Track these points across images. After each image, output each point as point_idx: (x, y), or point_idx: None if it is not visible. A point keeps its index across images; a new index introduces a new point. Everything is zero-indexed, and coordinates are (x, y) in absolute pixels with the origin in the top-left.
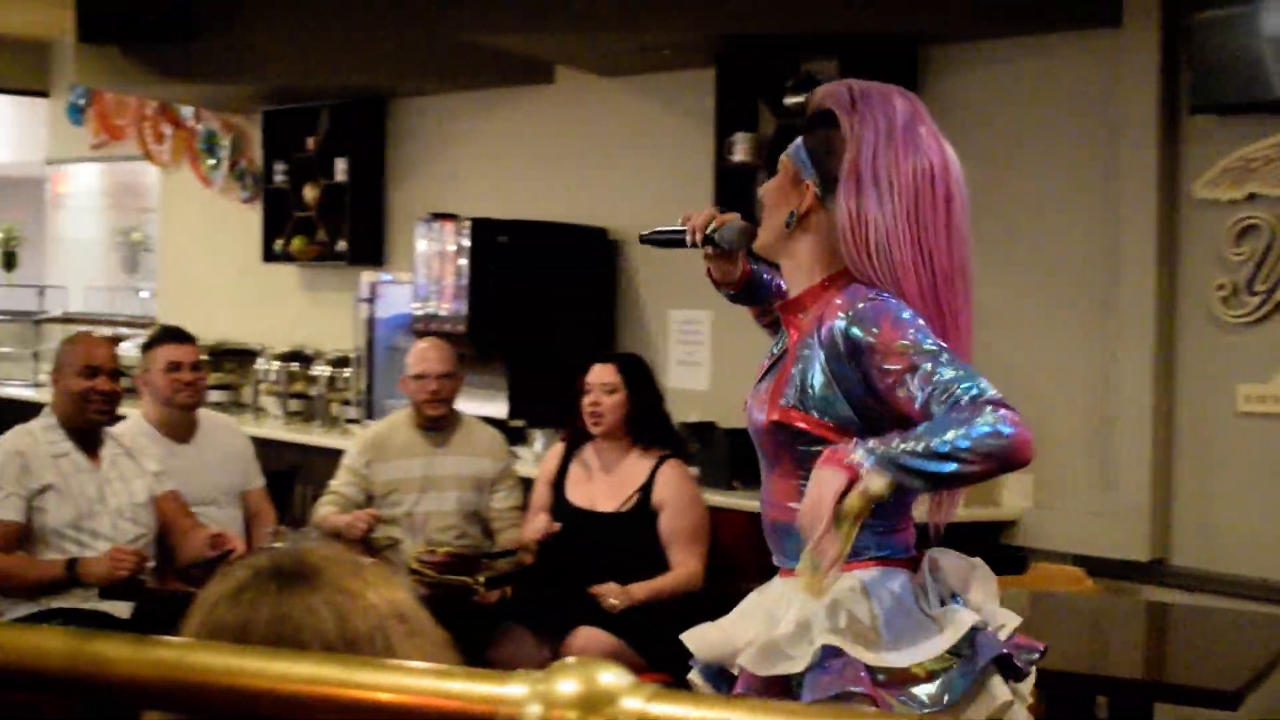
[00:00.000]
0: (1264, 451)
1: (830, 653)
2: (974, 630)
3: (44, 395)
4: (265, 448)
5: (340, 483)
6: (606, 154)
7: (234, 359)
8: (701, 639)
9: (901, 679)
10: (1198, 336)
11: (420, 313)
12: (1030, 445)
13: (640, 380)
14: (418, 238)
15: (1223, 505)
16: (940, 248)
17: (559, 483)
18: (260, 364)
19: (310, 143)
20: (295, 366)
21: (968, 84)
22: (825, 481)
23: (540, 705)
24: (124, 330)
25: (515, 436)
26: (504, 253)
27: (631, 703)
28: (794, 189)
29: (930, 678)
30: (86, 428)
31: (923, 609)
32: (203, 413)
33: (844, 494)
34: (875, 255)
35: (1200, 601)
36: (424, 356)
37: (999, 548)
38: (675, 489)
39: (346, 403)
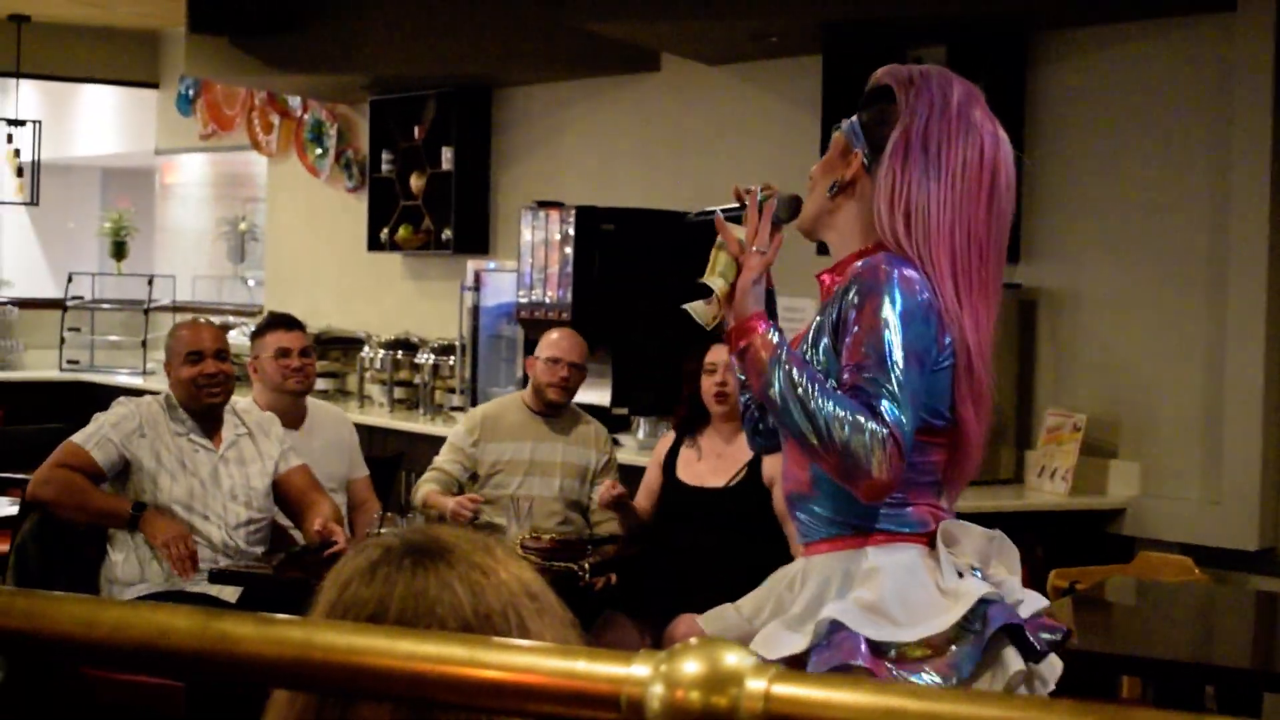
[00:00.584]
0: None
1: (834, 628)
2: (985, 602)
3: (152, 383)
4: (370, 435)
5: (445, 459)
6: (712, 142)
7: (340, 347)
8: (721, 621)
9: (912, 655)
10: None
11: (525, 301)
12: (878, 493)
13: None
14: (523, 226)
15: None
16: (980, 222)
17: (669, 465)
18: (366, 352)
19: (416, 132)
20: (400, 354)
21: (1078, 70)
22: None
23: (664, 685)
24: (231, 319)
25: (618, 424)
26: (609, 241)
27: (756, 684)
28: (841, 161)
29: (939, 653)
30: (203, 411)
31: (936, 584)
32: (311, 401)
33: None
34: (911, 219)
35: None
36: (560, 344)
37: (1106, 536)
38: None
39: (451, 390)
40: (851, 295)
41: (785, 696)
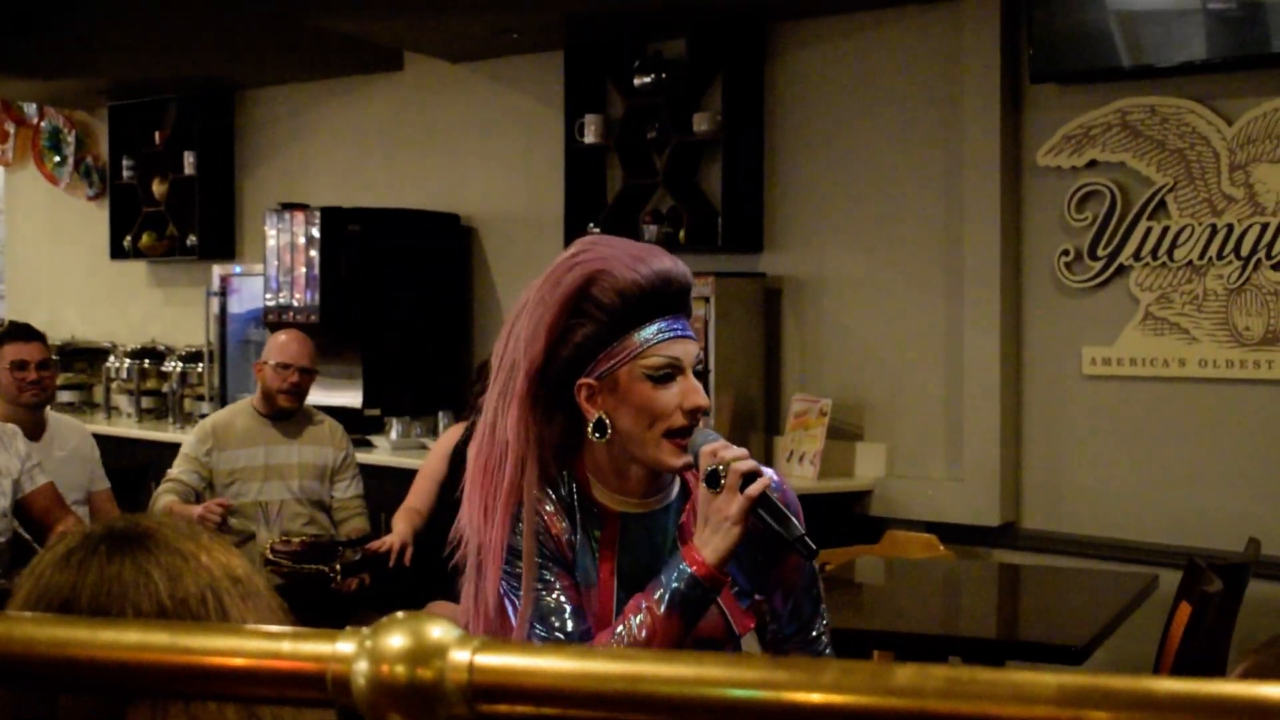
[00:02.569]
0: (1110, 413)
1: None
2: None
3: None
4: (118, 446)
5: (180, 470)
6: (458, 139)
7: (84, 358)
8: None
9: None
10: (1043, 301)
11: (272, 304)
12: None
13: None
14: (267, 229)
15: (1071, 468)
16: None
17: (458, 459)
18: (111, 362)
19: (158, 137)
20: (147, 363)
21: (815, 58)
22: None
23: (368, 661)
24: None
25: (371, 425)
26: (356, 241)
27: (460, 654)
28: None
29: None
30: None
31: None
32: (50, 413)
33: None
34: None
35: (1050, 562)
36: (288, 348)
37: (854, 517)
38: None
39: (200, 398)
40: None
41: (489, 666)
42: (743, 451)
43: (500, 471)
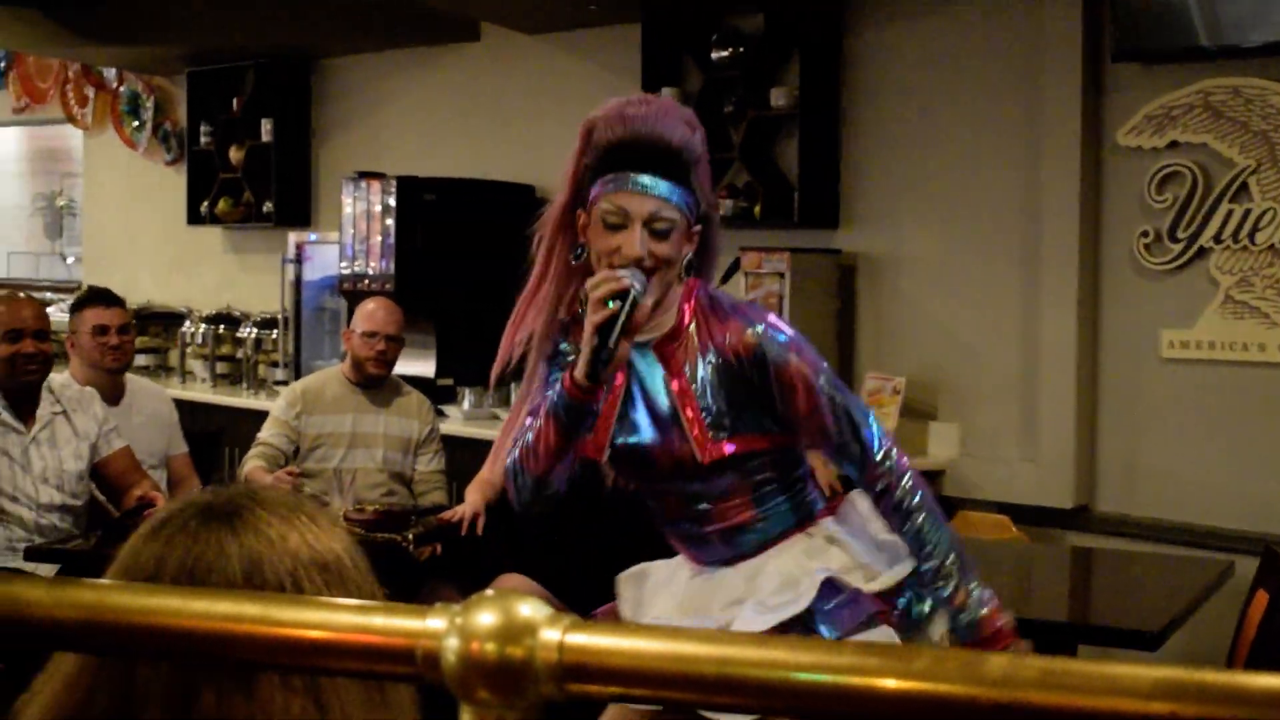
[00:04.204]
0: (1187, 397)
1: (831, 589)
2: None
3: None
4: (192, 411)
5: (268, 434)
6: (533, 111)
7: (160, 322)
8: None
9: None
10: (1121, 283)
11: (347, 272)
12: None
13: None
14: (344, 197)
15: (1147, 451)
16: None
17: None
18: (187, 327)
19: (235, 104)
20: (222, 329)
21: (893, 35)
22: None
23: (458, 638)
24: (50, 295)
25: (444, 395)
26: (431, 211)
27: (550, 634)
28: (685, 237)
29: (895, 597)
30: (18, 390)
31: (873, 535)
32: (130, 377)
33: None
34: (716, 269)
35: (1123, 546)
36: (374, 315)
37: None
38: None
39: (274, 364)
40: (762, 351)
41: (579, 645)
42: (608, 275)
43: (533, 289)
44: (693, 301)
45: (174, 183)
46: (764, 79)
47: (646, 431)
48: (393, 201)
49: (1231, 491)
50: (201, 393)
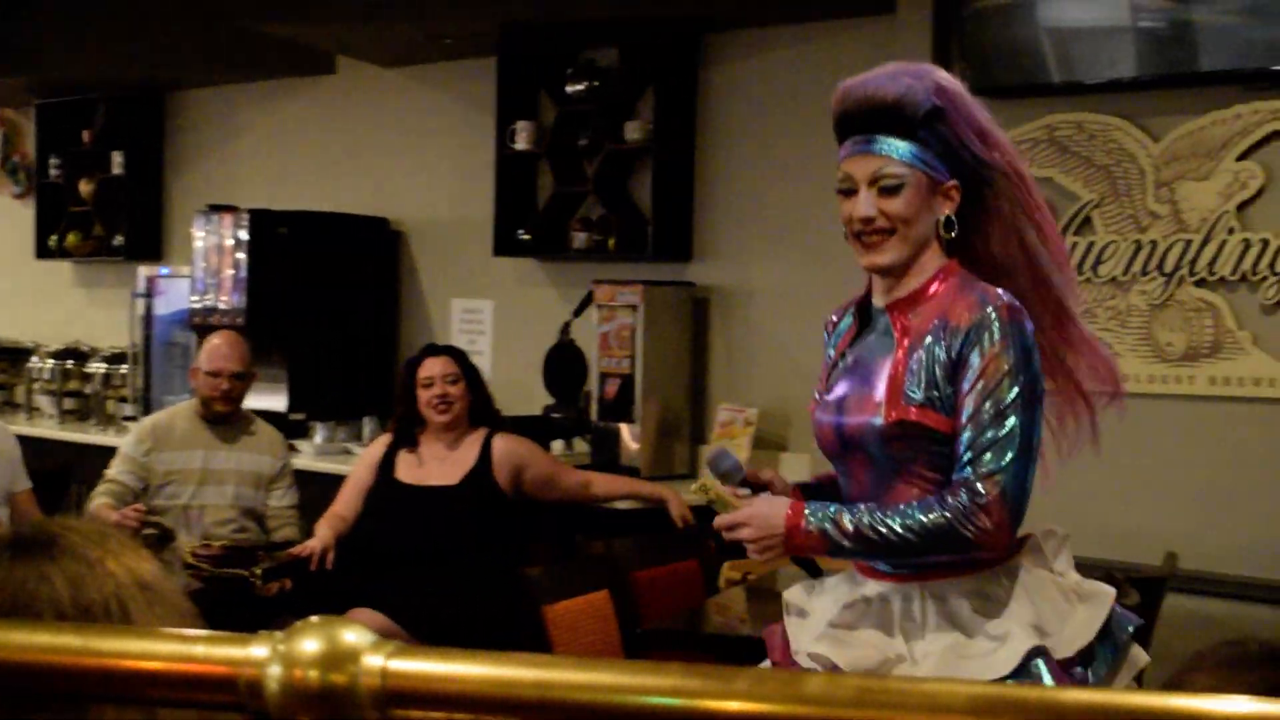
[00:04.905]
0: None
1: (1035, 654)
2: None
3: None
4: (39, 447)
5: (116, 471)
6: (388, 144)
7: (6, 358)
8: (845, 650)
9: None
10: None
11: (199, 306)
12: (996, 549)
13: (471, 367)
14: (196, 231)
15: None
16: (1048, 223)
17: (386, 468)
18: (34, 362)
19: (86, 136)
20: (70, 364)
21: (747, 70)
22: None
23: (281, 665)
24: None
25: (296, 430)
26: (284, 244)
27: (373, 659)
28: (931, 196)
29: (1084, 657)
30: None
31: (1060, 590)
32: None
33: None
34: (1031, 244)
35: None
36: (218, 352)
37: None
38: (519, 447)
39: (124, 400)
40: (980, 330)
41: (402, 671)
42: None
43: None
44: (947, 280)
45: (22, 216)
46: (619, 113)
47: (844, 387)
48: (245, 235)
49: (1075, 519)
50: (48, 429)
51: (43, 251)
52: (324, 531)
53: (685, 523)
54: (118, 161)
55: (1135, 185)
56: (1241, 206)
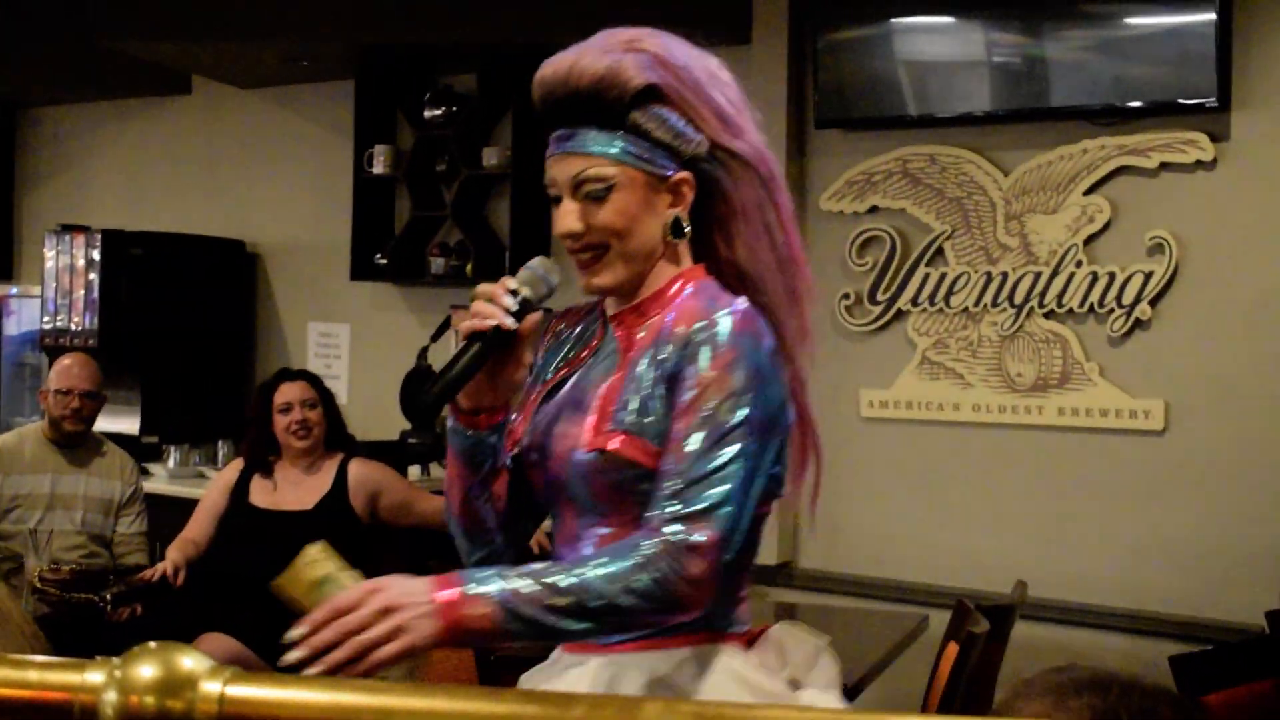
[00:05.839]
0: (886, 455)
1: None
2: None
3: None
4: None
5: None
6: (245, 166)
7: None
8: None
9: None
10: (823, 344)
11: (50, 327)
12: (693, 600)
13: (326, 392)
14: (47, 250)
15: (848, 508)
16: (797, 236)
17: (240, 492)
18: None
19: None
20: None
21: None
22: (416, 625)
23: (117, 691)
24: None
25: (149, 453)
26: (138, 265)
27: (211, 685)
28: (653, 195)
29: None
30: None
31: (766, 695)
32: None
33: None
34: (755, 239)
35: (826, 602)
36: (68, 371)
37: None
38: (375, 472)
39: None
40: (699, 342)
41: (239, 698)
42: (486, 294)
43: None
44: (684, 287)
45: None
46: (477, 138)
47: (555, 410)
48: (97, 255)
49: (929, 547)
50: None
51: None
52: (174, 554)
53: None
54: None
55: (986, 217)
56: (1089, 240)
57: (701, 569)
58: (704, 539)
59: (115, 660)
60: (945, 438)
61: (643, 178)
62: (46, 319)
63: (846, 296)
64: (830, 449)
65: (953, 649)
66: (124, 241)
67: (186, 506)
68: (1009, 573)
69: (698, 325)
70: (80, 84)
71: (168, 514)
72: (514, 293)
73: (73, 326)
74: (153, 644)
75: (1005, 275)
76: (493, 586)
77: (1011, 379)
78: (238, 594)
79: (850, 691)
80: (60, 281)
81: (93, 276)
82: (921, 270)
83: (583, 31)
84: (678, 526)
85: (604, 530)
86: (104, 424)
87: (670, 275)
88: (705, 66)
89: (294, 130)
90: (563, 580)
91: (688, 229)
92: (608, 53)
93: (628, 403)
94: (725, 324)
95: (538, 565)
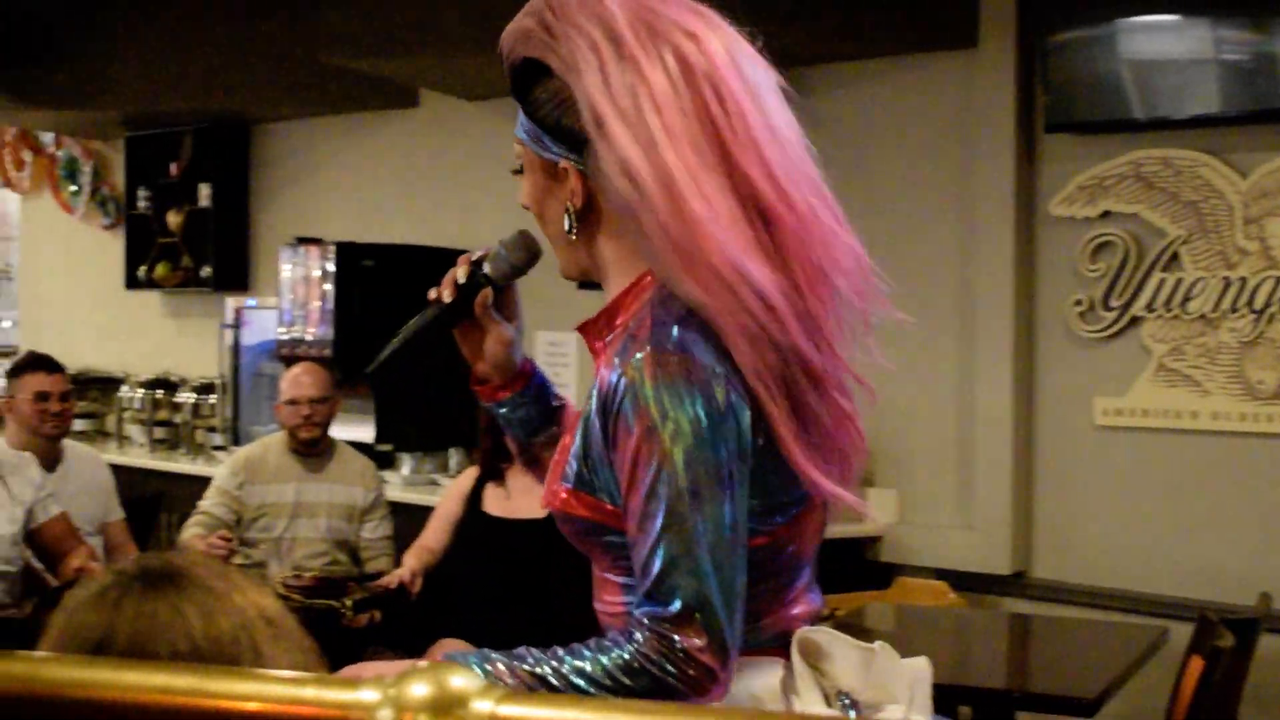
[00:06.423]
0: (1121, 464)
1: None
2: None
3: None
4: (129, 476)
5: (210, 503)
6: (470, 177)
7: (97, 387)
8: None
9: None
10: (1056, 351)
11: (286, 337)
12: (703, 689)
13: None
14: (283, 263)
15: (1082, 517)
16: (756, 176)
17: (474, 500)
18: (124, 392)
19: (173, 168)
20: (160, 394)
21: (833, 103)
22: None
23: (392, 710)
24: None
25: (383, 461)
26: (369, 276)
27: (482, 705)
28: (553, 179)
29: None
30: None
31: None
32: (67, 443)
33: None
34: (670, 223)
35: (1059, 613)
36: (297, 381)
37: (865, 563)
38: None
39: (212, 430)
40: (620, 397)
41: (511, 717)
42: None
43: None
44: (639, 298)
45: (112, 247)
46: None
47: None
48: (331, 267)
49: (1165, 558)
50: (139, 458)
51: (132, 282)
52: (410, 561)
53: None
54: (205, 193)
55: (1224, 221)
56: None
57: (699, 670)
58: (696, 642)
59: (389, 679)
60: (1182, 446)
61: (538, 160)
62: (282, 329)
63: (1079, 302)
64: (1063, 457)
65: (1197, 663)
66: (356, 253)
67: (419, 513)
68: (1250, 584)
69: (611, 382)
70: (312, 100)
71: (401, 521)
72: (477, 264)
73: (308, 336)
74: (424, 663)
75: (1244, 280)
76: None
77: (1252, 386)
78: (473, 601)
79: (1091, 706)
80: (296, 293)
81: (327, 287)
82: (1157, 275)
83: (815, 41)
84: (662, 629)
85: (599, 573)
86: (338, 432)
87: (628, 277)
88: (621, 24)
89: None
90: (552, 679)
91: (572, 227)
92: (521, 16)
93: (578, 449)
94: (641, 375)
95: (532, 654)
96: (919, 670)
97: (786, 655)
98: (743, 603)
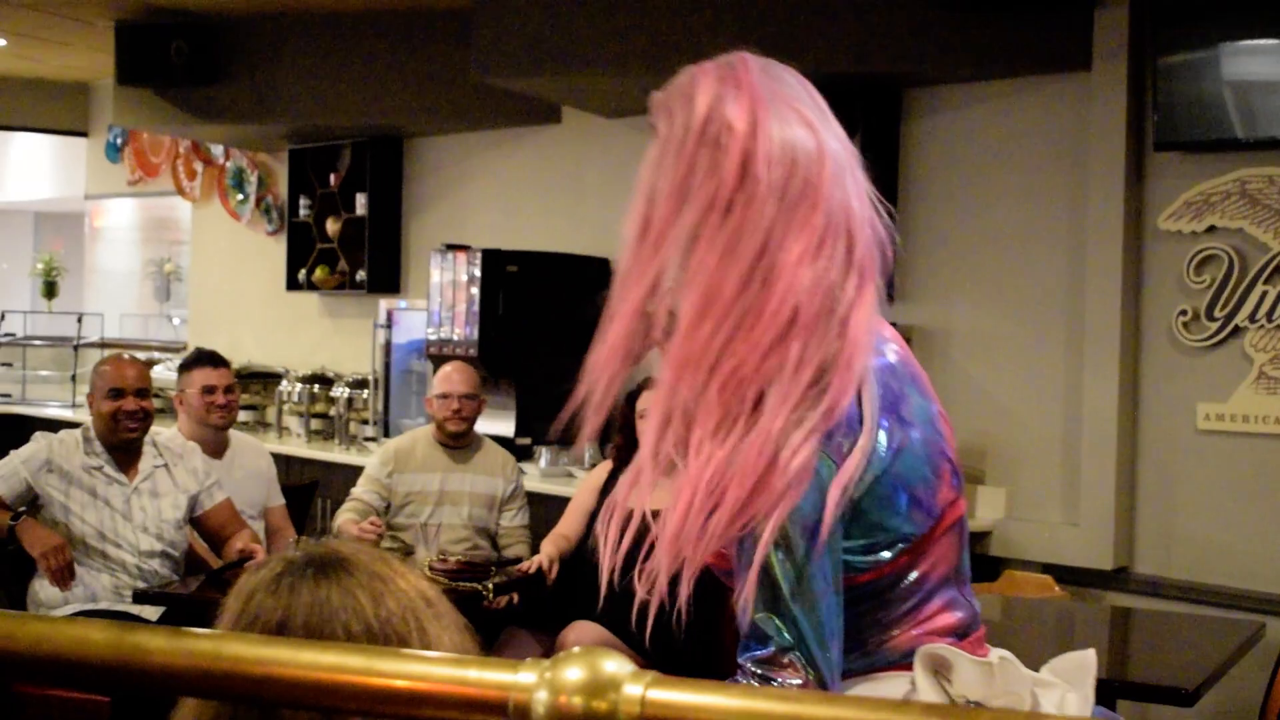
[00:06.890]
0: (1222, 467)
1: None
2: None
3: (81, 415)
4: (288, 464)
5: (362, 490)
6: (609, 189)
7: (260, 381)
8: None
9: None
10: (1161, 359)
11: (434, 337)
12: None
13: None
14: (432, 268)
15: (1183, 516)
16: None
17: (606, 493)
18: (284, 386)
19: (333, 179)
20: (317, 388)
21: (948, 123)
22: None
23: (548, 691)
24: (157, 354)
25: (522, 453)
26: (512, 281)
27: (633, 689)
28: None
29: None
30: (120, 444)
31: None
32: (232, 433)
33: None
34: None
35: (1160, 607)
36: (449, 378)
37: (974, 557)
38: None
39: (364, 422)
40: None
41: (660, 701)
42: None
43: None
44: None
45: (274, 252)
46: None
47: None
48: (478, 272)
49: (1263, 556)
50: (297, 447)
51: (293, 284)
52: (548, 549)
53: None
54: (361, 202)
55: None
56: None
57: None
58: (794, 681)
59: (545, 662)
60: None
61: None
62: (431, 330)
63: (1184, 313)
64: (1166, 459)
65: None
66: (501, 259)
67: (555, 502)
68: None
69: None
70: (461, 116)
71: (539, 510)
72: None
73: (454, 337)
74: (578, 649)
75: None
76: None
77: None
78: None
79: (1190, 696)
80: (444, 296)
81: (473, 291)
82: (1260, 288)
83: (933, 63)
84: (761, 670)
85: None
86: (483, 426)
87: None
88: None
89: None
90: None
91: None
92: (671, 83)
93: None
94: None
95: None
96: (1086, 660)
97: (910, 670)
98: (839, 638)
